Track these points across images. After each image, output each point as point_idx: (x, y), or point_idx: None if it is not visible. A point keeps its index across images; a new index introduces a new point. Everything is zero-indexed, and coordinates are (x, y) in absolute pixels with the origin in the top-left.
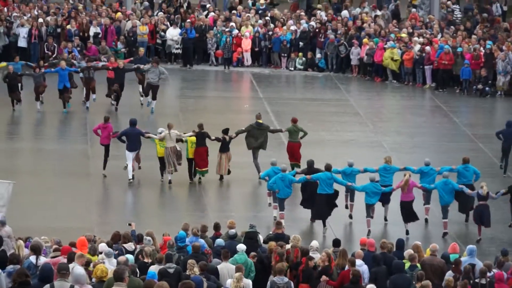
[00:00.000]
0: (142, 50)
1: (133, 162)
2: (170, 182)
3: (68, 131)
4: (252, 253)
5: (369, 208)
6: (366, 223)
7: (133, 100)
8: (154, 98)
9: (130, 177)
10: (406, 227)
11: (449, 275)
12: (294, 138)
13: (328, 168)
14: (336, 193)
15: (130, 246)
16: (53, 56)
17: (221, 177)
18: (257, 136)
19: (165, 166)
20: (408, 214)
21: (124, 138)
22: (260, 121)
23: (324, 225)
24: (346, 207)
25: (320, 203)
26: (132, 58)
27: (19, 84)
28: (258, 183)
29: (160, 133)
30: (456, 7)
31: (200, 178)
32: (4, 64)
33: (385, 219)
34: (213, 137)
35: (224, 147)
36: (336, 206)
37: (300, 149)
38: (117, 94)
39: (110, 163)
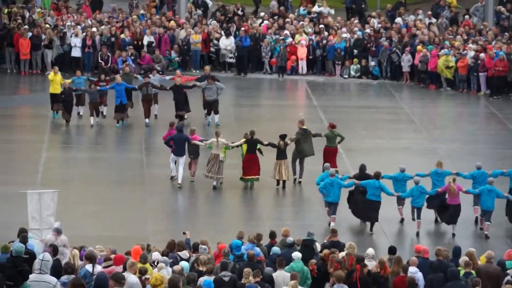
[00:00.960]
0: (208, 68)
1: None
2: (214, 188)
3: (123, 140)
4: (312, 261)
5: (417, 211)
6: (417, 225)
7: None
8: (216, 112)
9: (180, 181)
10: (453, 230)
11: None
12: (332, 143)
13: (377, 176)
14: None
15: (184, 254)
16: (108, 65)
17: (278, 183)
18: (307, 142)
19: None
20: (452, 217)
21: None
22: (304, 127)
23: (372, 227)
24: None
25: (367, 207)
26: (198, 76)
27: (74, 101)
28: (311, 190)
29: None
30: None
31: (251, 184)
32: (69, 81)
33: (436, 221)
34: (266, 142)
35: (281, 154)
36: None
37: (336, 155)
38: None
39: (163, 171)
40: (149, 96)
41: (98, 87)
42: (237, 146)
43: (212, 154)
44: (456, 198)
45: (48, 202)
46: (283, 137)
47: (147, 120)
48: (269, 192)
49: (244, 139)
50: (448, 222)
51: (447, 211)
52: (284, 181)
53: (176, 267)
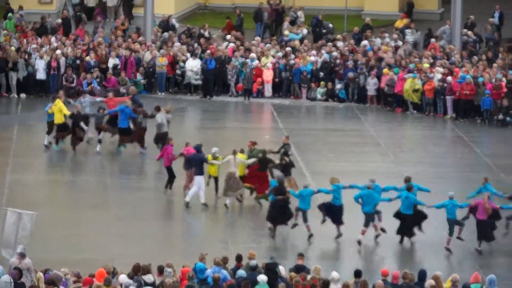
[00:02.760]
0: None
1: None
2: (226, 206)
3: (87, 164)
4: (281, 285)
5: (452, 224)
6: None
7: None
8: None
9: (203, 201)
10: (478, 246)
11: None
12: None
13: (408, 188)
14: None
15: (149, 278)
16: (73, 86)
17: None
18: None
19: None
20: (483, 233)
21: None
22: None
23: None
24: None
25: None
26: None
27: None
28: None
29: (214, 153)
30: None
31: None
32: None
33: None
34: (277, 161)
35: (286, 171)
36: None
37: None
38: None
39: (128, 194)
40: (141, 126)
41: (106, 111)
42: (252, 164)
43: (229, 173)
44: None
45: (26, 224)
46: (285, 153)
47: (142, 149)
48: (240, 212)
49: (255, 159)
50: (487, 239)
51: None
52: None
53: None
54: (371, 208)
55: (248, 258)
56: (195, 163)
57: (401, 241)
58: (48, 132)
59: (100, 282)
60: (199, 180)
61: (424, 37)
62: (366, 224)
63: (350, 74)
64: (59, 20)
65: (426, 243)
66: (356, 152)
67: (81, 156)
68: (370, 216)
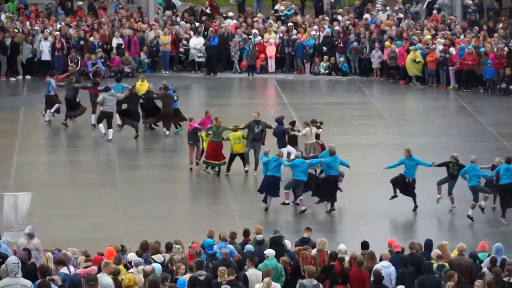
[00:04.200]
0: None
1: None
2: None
3: (94, 142)
4: (285, 260)
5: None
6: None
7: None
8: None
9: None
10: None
11: (487, 273)
12: (217, 138)
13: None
14: None
15: (158, 257)
16: (78, 68)
17: None
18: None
19: (244, 162)
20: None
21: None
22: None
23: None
24: None
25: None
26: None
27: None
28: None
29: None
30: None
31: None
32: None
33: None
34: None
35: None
36: None
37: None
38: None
39: (135, 172)
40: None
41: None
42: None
43: (307, 145)
44: None
45: (22, 205)
46: (293, 123)
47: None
48: (246, 188)
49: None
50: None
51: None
52: None
53: (147, 267)
54: (476, 182)
55: (255, 233)
56: (278, 136)
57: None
58: (47, 108)
59: (110, 260)
60: (285, 151)
61: (426, 10)
62: (476, 199)
63: (355, 44)
64: (80, 2)
65: (430, 213)
66: (361, 125)
67: (87, 136)
68: (477, 190)
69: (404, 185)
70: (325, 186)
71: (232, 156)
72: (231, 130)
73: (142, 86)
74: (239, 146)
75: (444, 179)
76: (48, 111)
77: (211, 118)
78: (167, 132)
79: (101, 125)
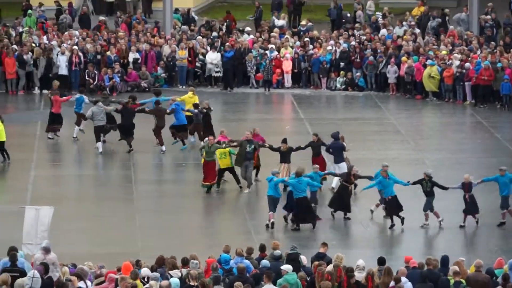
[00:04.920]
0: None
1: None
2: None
3: (111, 157)
4: (302, 276)
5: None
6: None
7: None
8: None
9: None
10: None
11: None
12: (210, 157)
13: None
14: None
15: (175, 273)
16: (95, 83)
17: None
18: None
19: (235, 177)
20: None
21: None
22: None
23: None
24: None
25: None
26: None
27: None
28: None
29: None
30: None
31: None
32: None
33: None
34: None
35: (284, 158)
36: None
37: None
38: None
39: (152, 187)
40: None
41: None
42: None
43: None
44: None
45: (44, 218)
46: (285, 141)
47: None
48: (260, 204)
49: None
50: None
51: None
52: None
53: (163, 283)
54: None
55: (272, 248)
56: (336, 151)
57: None
58: (77, 124)
59: (126, 275)
60: (341, 167)
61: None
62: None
63: (371, 58)
64: (102, 18)
65: (448, 229)
66: (377, 140)
67: (105, 151)
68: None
69: (387, 204)
70: (298, 209)
71: (221, 172)
72: (223, 148)
73: (192, 99)
74: (226, 161)
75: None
76: (76, 127)
77: (258, 134)
78: (163, 148)
79: (99, 144)
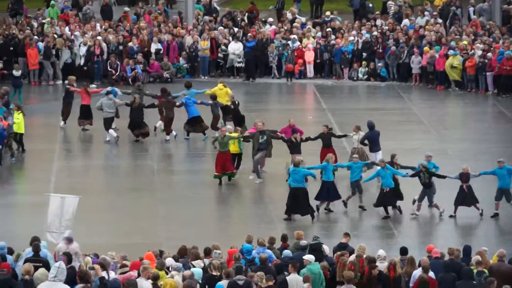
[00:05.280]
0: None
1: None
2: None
3: (133, 148)
4: (324, 265)
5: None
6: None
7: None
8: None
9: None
10: None
11: None
12: (223, 148)
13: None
14: None
15: (198, 263)
16: (117, 74)
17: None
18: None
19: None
20: None
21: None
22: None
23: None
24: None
25: None
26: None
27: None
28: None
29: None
30: None
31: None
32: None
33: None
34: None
35: (295, 149)
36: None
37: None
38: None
39: (174, 177)
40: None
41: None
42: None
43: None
44: None
45: (69, 207)
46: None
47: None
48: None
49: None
50: None
51: None
52: None
53: (186, 272)
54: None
55: (296, 238)
56: (375, 140)
57: None
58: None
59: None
60: (378, 155)
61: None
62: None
63: (393, 48)
64: (127, 8)
65: (468, 219)
66: (400, 131)
67: (126, 141)
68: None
69: (384, 196)
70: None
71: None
72: (236, 139)
73: (222, 91)
74: (234, 147)
75: (422, 193)
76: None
77: (293, 125)
78: (168, 138)
79: (111, 131)
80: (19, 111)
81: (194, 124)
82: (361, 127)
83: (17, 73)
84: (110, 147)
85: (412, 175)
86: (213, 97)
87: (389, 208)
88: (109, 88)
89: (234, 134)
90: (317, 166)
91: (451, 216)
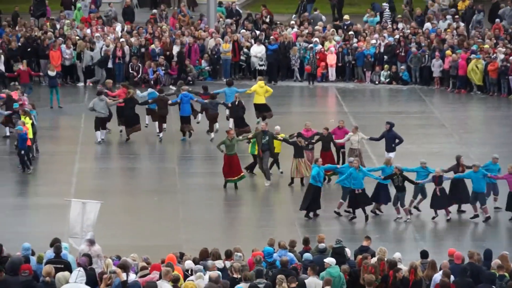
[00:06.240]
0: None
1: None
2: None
3: (154, 150)
4: (344, 267)
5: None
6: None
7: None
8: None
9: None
10: None
11: None
12: (231, 151)
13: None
14: None
15: (219, 263)
16: (139, 76)
17: (293, 181)
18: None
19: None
20: None
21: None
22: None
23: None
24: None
25: None
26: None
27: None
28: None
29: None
30: None
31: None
32: None
33: None
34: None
35: (299, 152)
36: None
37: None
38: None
39: (196, 180)
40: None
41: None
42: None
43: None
44: None
45: (90, 214)
46: (300, 135)
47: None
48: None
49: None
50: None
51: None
52: (302, 178)
53: (212, 274)
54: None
55: (317, 241)
56: (391, 140)
57: None
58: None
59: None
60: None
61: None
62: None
63: (414, 50)
64: (154, 10)
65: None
66: (421, 134)
67: (146, 143)
68: None
69: (355, 198)
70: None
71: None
72: (241, 140)
73: (262, 89)
74: (277, 146)
75: (395, 197)
76: (156, 123)
77: (344, 128)
78: (161, 135)
79: (98, 133)
80: (25, 116)
81: (182, 122)
82: (361, 128)
83: (52, 73)
84: (132, 149)
85: (385, 178)
86: (213, 96)
87: (367, 208)
88: (149, 90)
89: (282, 135)
90: (377, 168)
91: (433, 218)
